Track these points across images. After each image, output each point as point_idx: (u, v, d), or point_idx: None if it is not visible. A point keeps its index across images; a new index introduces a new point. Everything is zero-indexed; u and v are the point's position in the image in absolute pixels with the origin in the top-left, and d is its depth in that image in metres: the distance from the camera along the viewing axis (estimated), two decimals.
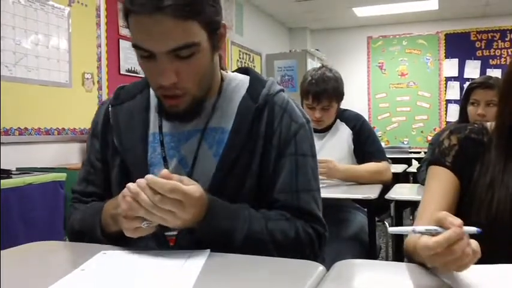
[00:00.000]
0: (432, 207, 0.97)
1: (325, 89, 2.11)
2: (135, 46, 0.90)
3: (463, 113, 2.31)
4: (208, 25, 0.90)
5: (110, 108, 1.07)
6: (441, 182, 1.01)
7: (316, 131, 2.23)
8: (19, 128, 2.83)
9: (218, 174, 0.97)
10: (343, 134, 2.23)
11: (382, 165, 2.14)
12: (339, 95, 2.17)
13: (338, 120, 2.26)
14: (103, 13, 3.50)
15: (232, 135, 0.98)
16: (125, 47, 3.68)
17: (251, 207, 0.96)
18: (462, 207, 0.99)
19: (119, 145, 1.03)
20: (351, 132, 2.22)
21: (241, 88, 1.05)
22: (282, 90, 1.06)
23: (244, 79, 1.08)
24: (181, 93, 0.93)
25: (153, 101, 1.06)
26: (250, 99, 1.01)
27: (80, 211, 1.05)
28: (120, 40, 3.67)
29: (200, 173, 0.98)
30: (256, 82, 1.06)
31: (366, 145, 2.18)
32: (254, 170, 0.98)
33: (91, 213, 1.00)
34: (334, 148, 2.21)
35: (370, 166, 2.13)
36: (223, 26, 0.95)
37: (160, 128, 1.04)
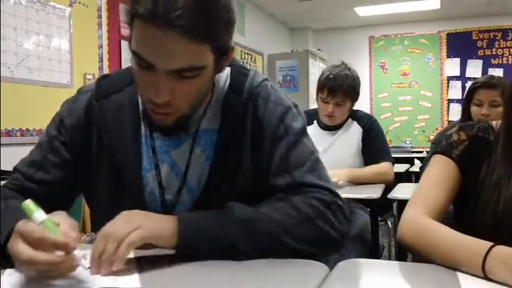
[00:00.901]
0: (431, 193, 0.96)
1: (341, 85, 2.16)
2: (135, 53, 0.83)
3: (465, 112, 2.31)
4: (219, 50, 0.84)
5: (94, 102, 0.98)
6: (444, 170, 1.00)
7: (327, 128, 2.31)
8: (21, 129, 2.83)
9: (212, 178, 0.94)
10: (354, 132, 2.28)
11: (385, 166, 2.17)
12: (354, 93, 2.22)
13: (350, 119, 2.31)
14: (104, 14, 3.50)
15: (221, 135, 0.95)
16: (127, 47, 3.63)
17: (248, 206, 0.89)
18: (468, 208, 0.99)
19: (109, 146, 0.96)
20: (361, 130, 2.27)
21: (225, 85, 1.00)
22: (266, 79, 1.02)
23: (227, 73, 1.01)
24: (173, 111, 0.87)
25: (142, 106, 0.99)
26: (233, 92, 0.97)
27: (8, 204, 0.88)
28: (122, 41, 3.66)
29: (193, 179, 0.95)
30: (238, 75, 1.00)
31: (373, 143, 2.24)
32: (246, 167, 0.95)
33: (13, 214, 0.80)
34: (344, 145, 2.26)
35: (374, 167, 2.16)
36: (231, 49, 0.88)
37: (151, 131, 0.98)
